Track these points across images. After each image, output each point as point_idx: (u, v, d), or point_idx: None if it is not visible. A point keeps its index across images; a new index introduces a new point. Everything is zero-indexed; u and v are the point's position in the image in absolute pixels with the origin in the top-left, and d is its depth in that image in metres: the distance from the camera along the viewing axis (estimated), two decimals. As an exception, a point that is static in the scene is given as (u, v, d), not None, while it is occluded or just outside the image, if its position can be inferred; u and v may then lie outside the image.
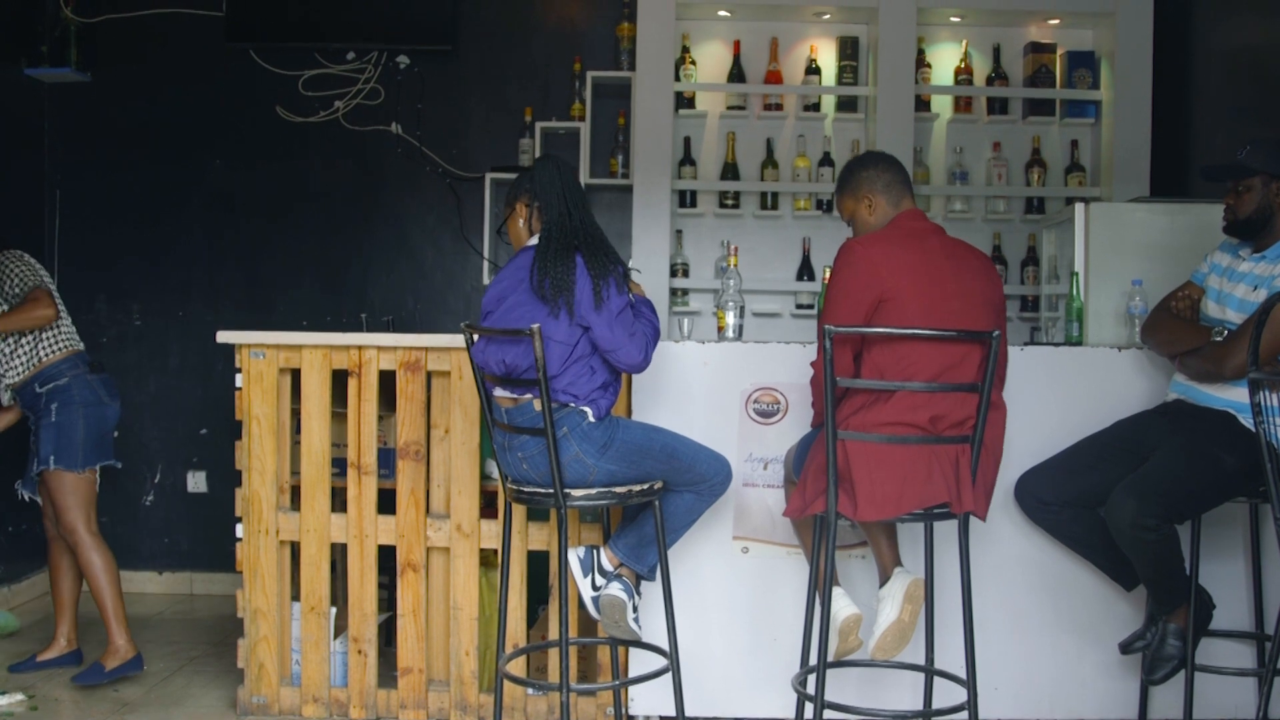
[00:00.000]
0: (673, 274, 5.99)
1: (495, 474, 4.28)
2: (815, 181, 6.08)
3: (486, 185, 6.00)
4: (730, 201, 6.16)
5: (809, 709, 3.47)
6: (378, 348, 4.20)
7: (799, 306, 6.15)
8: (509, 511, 3.73)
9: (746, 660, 4.09)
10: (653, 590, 3.77)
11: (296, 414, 4.34)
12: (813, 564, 3.53)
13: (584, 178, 5.93)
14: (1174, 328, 3.85)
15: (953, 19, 6.08)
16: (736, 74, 6.10)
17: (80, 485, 4.53)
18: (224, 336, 4.24)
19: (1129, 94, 5.81)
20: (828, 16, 6.07)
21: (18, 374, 4.54)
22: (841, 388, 3.38)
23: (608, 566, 3.64)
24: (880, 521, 3.43)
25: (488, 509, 4.26)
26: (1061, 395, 4.02)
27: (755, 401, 4.06)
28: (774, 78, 6.10)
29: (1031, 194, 6.12)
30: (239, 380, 4.23)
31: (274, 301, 6.18)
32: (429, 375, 4.21)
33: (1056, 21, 6.07)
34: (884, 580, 3.51)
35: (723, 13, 6.06)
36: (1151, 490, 3.48)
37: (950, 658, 3.71)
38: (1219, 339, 3.68)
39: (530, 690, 4.19)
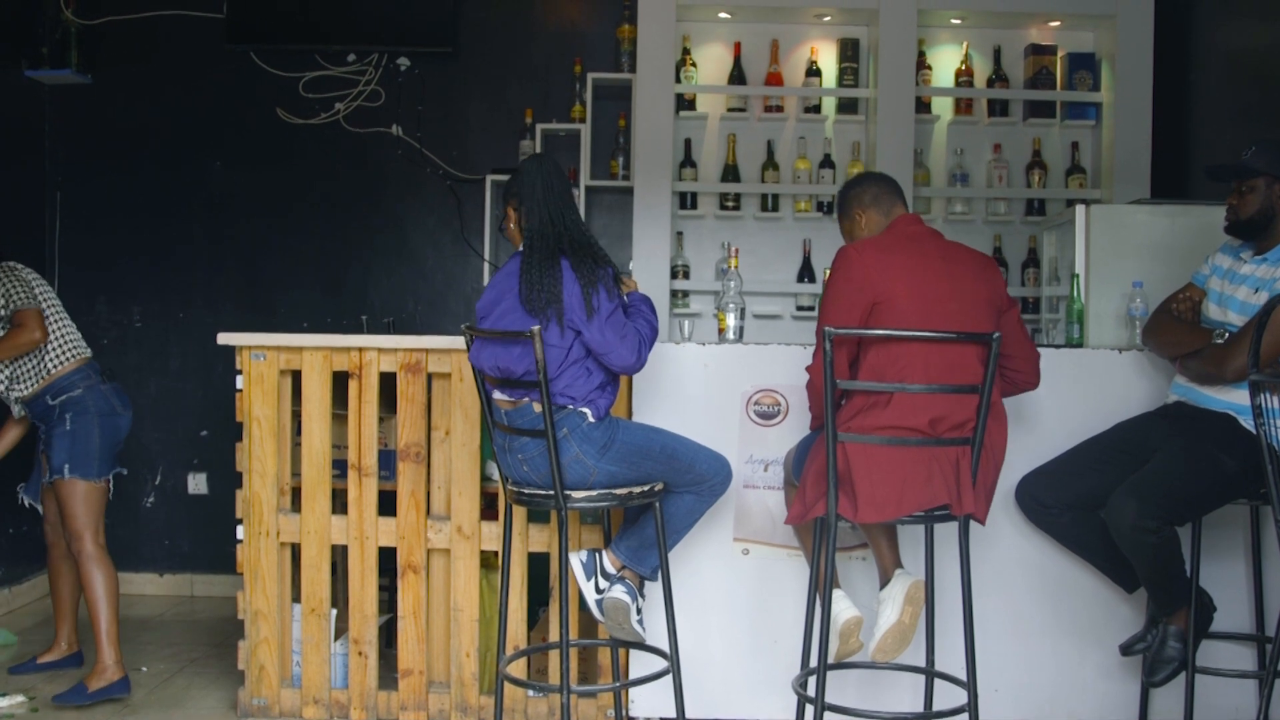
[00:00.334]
0: (673, 276, 5.99)
1: (496, 476, 4.28)
2: (816, 183, 6.08)
3: (487, 187, 6.00)
4: (731, 203, 6.17)
5: (809, 711, 3.47)
6: (378, 349, 4.20)
7: (799, 308, 6.15)
8: (509, 513, 3.73)
9: (747, 662, 4.09)
10: (653, 592, 3.77)
11: (297, 416, 4.34)
12: (813, 566, 3.53)
13: (584, 179, 5.93)
14: (1175, 330, 3.85)
15: (953, 21, 6.08)
16: (737, 76, 6.10)
17: (93, 495, 4.43)
18: (225, 338, 4.24)
19: (1129, 96, 5.81)
20: (828, 18, 6.07)
21: (27, 387, 4.46)
22: (840, 391, 3.39)
23: (610, 569, 3.64)
24: (881, 523, 3.43)
25: (488, 511, 4.26)
26: (1062, 397, 4.02)
27: (756, 403, 4.06)
28: (774, 79, 6.10)
29: (1032, 196, 6.12)
30: (240, 382, 4.23)
31: (275, 303, 6.18)
32: (429, 377, 4.21)
33: (1057, 23, 6.07)
34: (884, 582, 3.51)
35: (723, 14, 6.06)
36: (1152, 492, 3.48)
37: (951, 660, 3.71)
38: (1220, 341, 3.68)
39: (531, 692, 4.19)
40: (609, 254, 3.57)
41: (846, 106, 6.14)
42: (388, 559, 4.30)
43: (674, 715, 3.70)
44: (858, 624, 3.48)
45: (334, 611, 4.27)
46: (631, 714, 4.13)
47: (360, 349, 4.20)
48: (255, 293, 6.20)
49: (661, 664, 3.77)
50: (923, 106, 6.06)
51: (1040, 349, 4.09)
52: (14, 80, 5.97)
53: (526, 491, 3.52)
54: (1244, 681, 4.00)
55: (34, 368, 4.44)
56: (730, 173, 6.12)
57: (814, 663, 3.47)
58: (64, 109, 6.20)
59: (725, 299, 4.24)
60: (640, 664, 4.06)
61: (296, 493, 4.30)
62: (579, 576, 3.62)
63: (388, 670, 4.37)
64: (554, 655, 4.18)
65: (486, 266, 6.05)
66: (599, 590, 3.61)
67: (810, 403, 3.69)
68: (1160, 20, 5.80)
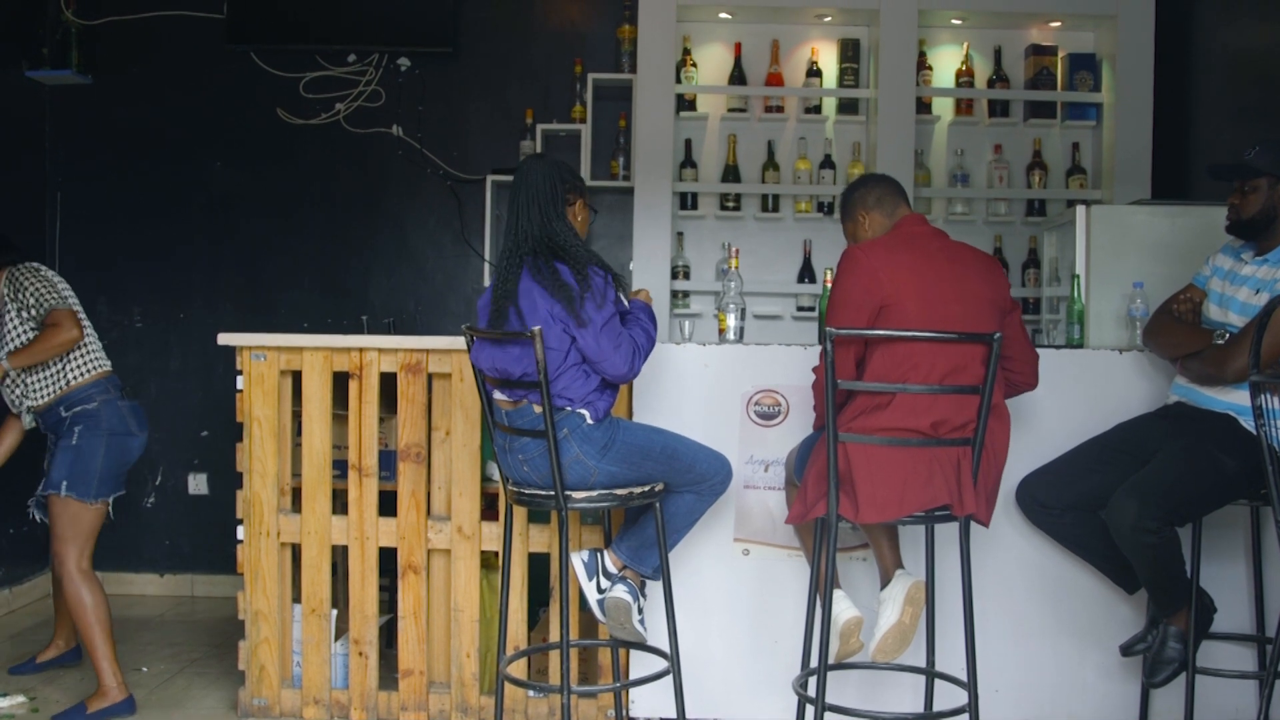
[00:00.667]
0: (674, 276, 5.99)
1: (496, 476, 4.28)
2: (816, 184, 6.08)
3: (487, 187, 6.00)
4: (731, 204, 6.17)
5: (810, 711, 3.47)
6: (379, 350, 4.20)
7: (800, 309, 6.15)
8: (510, 513, 3.73)
9: (747, 662, 4.09)
10: (654, 592, 3.77)
11: (297, 416, 4.34)
12: (814, 566, 3.53)
13: (585, 180, 5.92)
14: (1175, 330, 3.85)
15: (954, 21, 6.08)
16: (737, 76, 6.10)
17: (84, 516, 4.25)
18: (225, 338, 4.24)
19: (1130, 96, 5.81)
20: (829, 19, 6.07)
21: (42, 396, 4.30)
22: (843, 393, 3.39)
23: (612, 569, 3.64)
24: (881, 524, 3.43)
25: (488, 511, 4.26)
26: (1062, 398, 4.02)
27: (756, 404, 4.06)
28: (775, 80, 6.10)
29: (1033, 196, 6.12)
30: (240, 382, 4.23)
31: (275, 304, 6.18)
32: (430, 377, 4.21)
33: (1058, 24, 6.07)
34: (885, 582, 3.51)
35: (724, 15, 6.06)
36: (1152, 493, 3.48)
37: (951, 660, 3.71)
38: (1220, 342, 3.68)
39: (531, 692, 4.19)
40: (610, 255, 3.56)
41: (847, 107, 6.14)
42: (388, 559, 4.30)
43: (674, 715, 3.70)
44: (858, 624, 3.48)
45: (334, 612, 4.27)
46: (632, 714, 4.13)
47: (361, 349, 4.20)
48: (255, 293, 6.20)
49: (662, 664, 3.77)
50: (923, 107, 6.07)
51: (1041, 349, 4.09)
52: (14, 80, 5.97)
53: (527, 492, 3.52)
54: (1244, 682, 4.00)
55: (53, 376, 4.30)
56: (731, 173, 6.12)
57: (814, 663, 3.47)
58: (64, 109, 6.20)
59: (726, 299, 4.24)
60: (640, 664, 4.07)
61: (297, 493, 4.30)
62: (581, 576, 3.62)
63: (388, 670, 4.37)
64: (554, 655, 4.18)
65: (487, 267, 6.05)
66: (601, 590, 3.61)
67: (815, 402, 3.69)
68: (1161, 21, 5.80)
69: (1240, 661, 4.00)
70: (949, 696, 3.66)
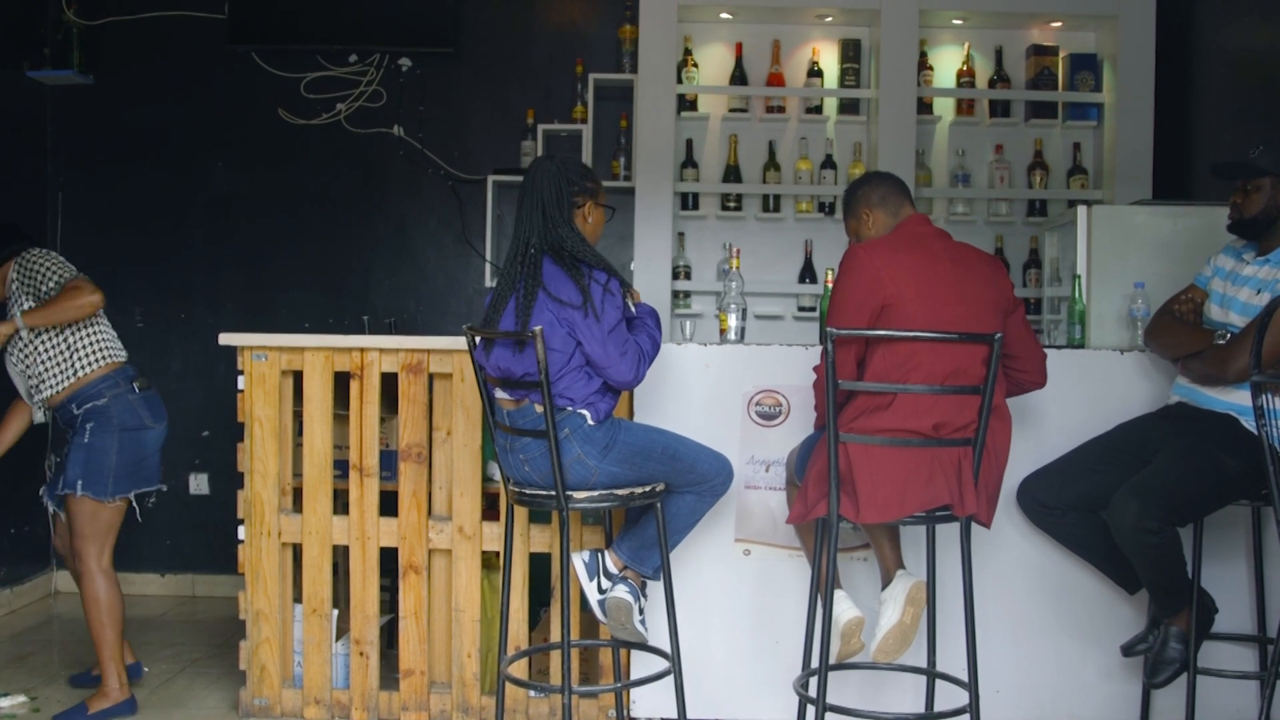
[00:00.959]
0: (675, 276, 5.99)
1: (497, 476, 4.28)
2: (817, 184, 6.08)
3: (488, 187, 6.00)
4: (732, 204, 6.17)
5: (810, 712, 3.47)
6: (380, 350, 4.20)
7: (801, 309, 6.15)
8: (511, 514, 3.73)
9: (748, 662, 4.09)
10: (654, 592, 3.77)
11: (298, 416, 4.34)
12: (815, 566, 3.53)
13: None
14: (1177, 331, 3.85)
15: (955, 21, 6.08)
16: (738, 76, 6.10)
17: (102, 515, 4.21)
18: (226, 339, 4.24)
19: (1131, 96, 5.81)
20: (830, 19, 6.07)
21: (53, 388, 4.22)
22: (844, 393, 3.39)
23: (612, 569, 3.64)
24: (882, 524, 3.43)
25: (489, 511, 4.26)
26: (1064, 398, 4.02)
27: (757, 404, 4.06)
28: (776, 80, 6.10)
29: (1034, 196, 6.12)
30: (241, 382, 4.23)
31: (276, 304, 6.18)
32: (431, 377, 4.21)
33: (1059, 24, 6.07)
34: (886, 583, 3.51)
35: (725, 15, 6.06)
36: (1153, 493, 3.48)
37: (952, 660, 3.71)
38: (1221, 342, 3.68)
39: (532, 692, 4.19)
40: (611, 256, 3.56)
41: (848, 107, 6.14)
42: (389, 559, 4.30)
43: (675, 716, 3.70)
44: (859, 624, 3.48)
45: (335, 612, 4.27)
46: (633, 714, 4.13)
47: (362, 349, 4.20)
48: (256, 293, 6.20)
49: (663, 664, 3.77)
50: (924, 107, 6.06)
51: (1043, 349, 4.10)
52: (16, 81, 5.97)
53: (528, 492, 3.52)
54: (1245, 683, 4.00)
55: (62, 366, 4.23)
56: (732, 173, 6.12)
57: (815, 663, 3.47)
58: (66, 109, 6.20)
59: (727, 299, 4.24)
60: (641, 664, 4.07)
61: (298, 493, 4.30)
62: (582, 576, 3.62)
63: (389, 671, 4.37)
64: (555, 656, 4.18)
65: (488, 267, 6.05)
66: (602, 590, 3.61)
67: (816, 402, 3.69)
68: (1162, 21, 5.80)
69: (1241, 662, 4.00)
70: (950, 697, 3.66)
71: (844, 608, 3.49)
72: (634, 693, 4.10)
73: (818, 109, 6.16)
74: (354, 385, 4.20)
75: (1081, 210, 4.52)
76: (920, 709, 3.83)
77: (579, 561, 3.63)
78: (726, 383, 4.07)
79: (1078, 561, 3.98)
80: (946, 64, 6.16)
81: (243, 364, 4.23)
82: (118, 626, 4.26)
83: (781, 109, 6.15)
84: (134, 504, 4.34)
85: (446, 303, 6.22)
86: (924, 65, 6.03)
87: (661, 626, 3.74)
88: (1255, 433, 3.40)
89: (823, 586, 3.40)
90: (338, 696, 4.24)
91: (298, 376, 4.29)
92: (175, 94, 6.20)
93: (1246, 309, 3.65)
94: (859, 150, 6.09)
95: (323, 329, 6.01)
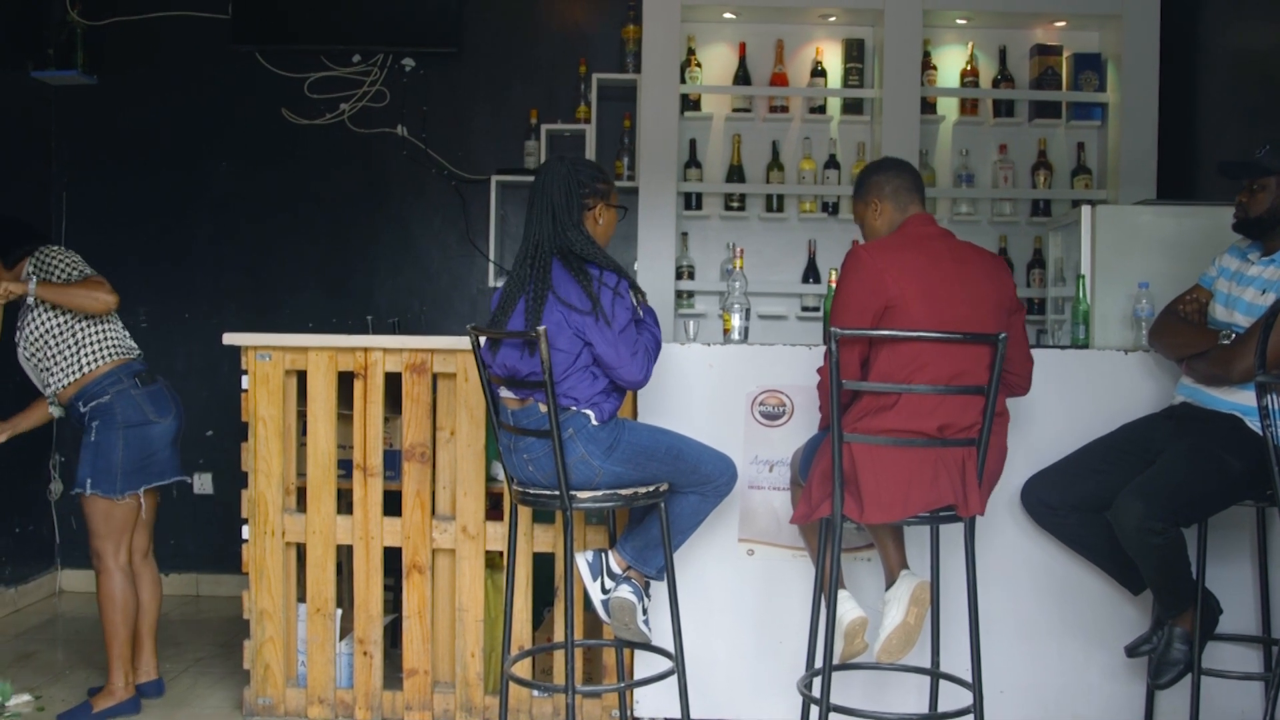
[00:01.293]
0: (678, 276, 5.98)
1: (501, 476, 4.28)
2: (821, 184, 6.07)
3: (492, 187, 6.01)
4: (736, 204, 6.16)
5: (814, 712, 3.47)
6: (383, 350, 4.20)
7: (804, 309, 6.14)
8: (515, 513, 3.72)
9: (752, 663, 4.09)
10: (658, 593, 3.77)
11: (302, 416, 4.34)
12: (818, 566, 3.53)
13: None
14: (1181, 331, 3.85)
15: (958, 21, 6.08)
16: (742, 76, 6.10)
17: (114, 512, 4.22)
18: (230, 338, 4.24)
19: (1136, 96, 5.81)
20: (833, 19, 6.06)
21: (61, 383, 4.23)
22: (848, 393, 3.39)
23: (616, 569, 3.64)
24: (887, 524, 3.43)
25: (493, 511, 4.26)
26: (1067, 398, 4.02)
27: (761, 404, 4.06)
28: (779, 80, 6.09)
29: (1038, 196, 6.11)
30: (245, 382, 4.23)
31: (280, 304, 6.19)
32: (434, 377, 4.21)
33: (1063, 24, 6.06)
34: (890, 583, 3.51)
35: (728, 15, 6.05)
36: (1158, 494, 3.48)
37: (956, 661, 3.71)
38: (1226, 342, 3.68)
39: (536, 692, 4.19)
40: (615, 255, 3.55)
41: (851, 107, 6.13)
42: (393, 559, 4.30)
43: (679, 716, 3.70)
44: (863, 625, 3.48)
45: (339, 611, 4.27)
46: (636, 714, 4.13)
47: (365, 349, 4.21)
48: (260, 293, 6.21)
49: (666, 664, 3.77)
50: (928, 107, 6.06)
51: (1046, 350, 4.11)
52: (20, 81, 5.98)
53: (532, 492, 3.52)
54: (1250, 684, 4.00)
55: (69, 360, 4.22)
56: (735, 173, 6.11)
57: (819, 663, 3.47)
58: (70, 109, 6.21)
59: (730, 299, 4.24)
60: (645, 664, 4.07)
61: (302, 493, 4.31)
62: (585, 576, 3.62)
63: (393, 670, 4.37)
64: (559, 655, 4.18)
65: (491, 267, 6.05)
66: (605, 590, 3.61)
67: (820, 403, 3.68)
68: (1166, 20, 5.79)
69: (1246, 663, 4.00)
70: (954, 697, 3.65)
71: (848, 608, 3.49)
72: (637, 693, 4.10)
73: (821, 109, 6.16)
74: (358, 385, 4.20)
75: (1086, 210, 4.51)
76: (924, 709, 3.83)
77: (582, 561, 3.63)
78: (730, 383, 4.06)
79: (1082, 562, 3.98)
80: (950, 64, 6.15)
81: (247, 364, 4.23)
82: (129, 627, 4.28)
83: (785, 109, 6.15)
84: (156, 498, 4.34)
85: (450, 303, 6.22)
86: (928, 65, 6.03)
87: (665, 626, 3.74)
88: (1260, 433, 3.40)
89: (826, 586, 3.40)
90: (341, 696, 4.25)
91: (302, 376, 4.29)
92: (179, 94, 6.21)
93: (1251, 309, 3.65)
94: (862, 150, 6.09)
95: (326, 329, 6.02)
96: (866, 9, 5.92)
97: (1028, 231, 6.15)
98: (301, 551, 4.29)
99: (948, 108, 6.16)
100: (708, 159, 6.16)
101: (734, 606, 4.09)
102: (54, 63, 6.03)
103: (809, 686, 3.56)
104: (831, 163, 6.07)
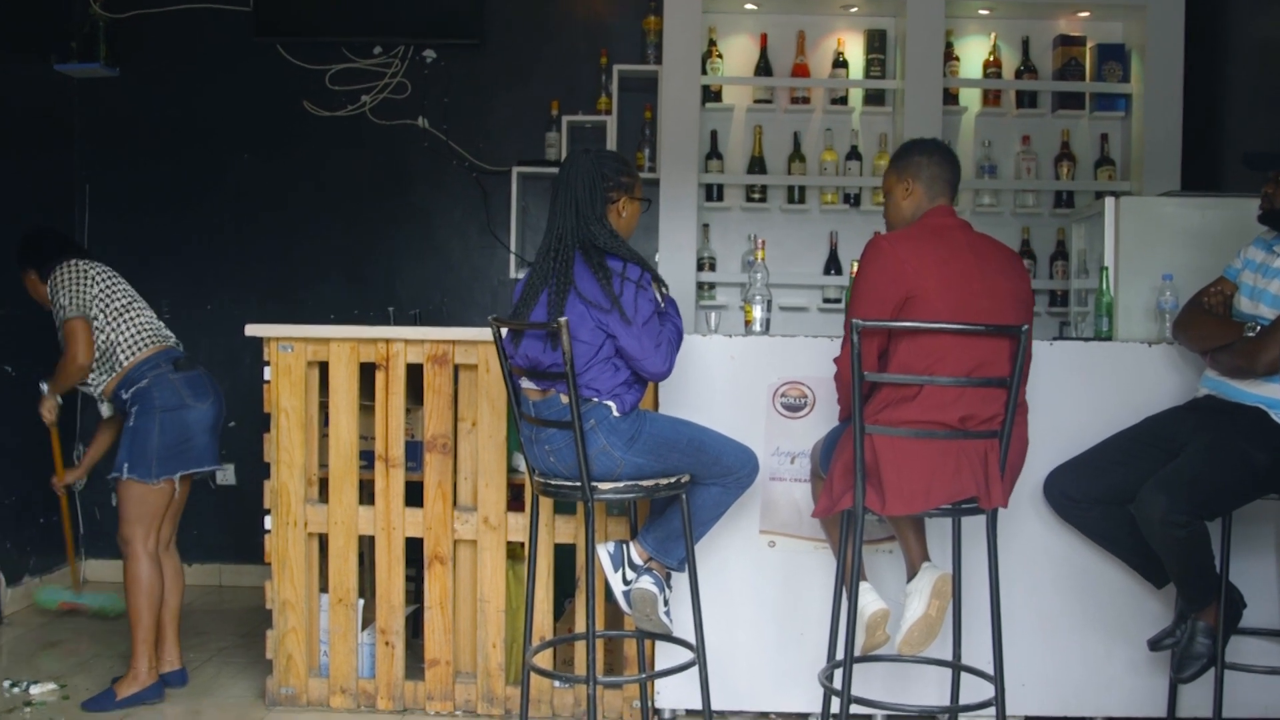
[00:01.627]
0: (699, 268, 5.98)
1: (522, 467, 4.29)
2: (842, 175, 6.06)
3: (513, 179, 6.01)
4: (757, 195, 6.15)
5: (835, 704, 3.47)
6: (405, 341, 4.21)
7: (826, 300, 6.13)
8: (536, 504, 3.73)
9: (773, 654, 4.09)
10: (679, 584, 3.77)
11: (324, 407, 4.35)
12: (840, 558, 3.53)
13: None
14: (1206, 323, 3.82)
15: (981, 11, 6.05)
16: (763, 67, 6.08)
17: (149, 497, 4.24)
18: (252, 330, 4.26)
19: (1160, 87, 5.77)
20: (855, 9, 6.04)
21: (102, 381, 4.31)
22: (868, 385, 3.38)
23: (637, 560, 3.64)
24: (908, 516, 3.42)
25: (515, 502, 4.27)
26: (1091, 391, 4.00)
27: (782, 395, 4.05)
28: (801, 71, 6.07)
29: (1061, 188, 6.08)
30: (267, 373, 4.25)
31: (301, 295, 6.21)
32: (456, 368, 4.22)
33: (1086, 14, 6.03)
34: (911, 575, 3.51)
35: (750, 6, 6.04)
36: (1181, 487, 3.46)
37: (978, 653, 3.70)
38: (1251, 334, 3.65)
39: (557, 683, 4.19)
40: (636, 247, 3.55)
41: (873, 98, 6.11)
42: (414, 550, 4.32)
43: (700, 707, 3.70)
44: (884, 617, 3.48)
45: (361, 602, 4.29)
46: (657, 705, 4.13)
47: (387, 340, 4.22)
48: (282, 285, 6.22)
49: (687, 656, 3.77)
50: (950, 98, 6.03)
51: (1069, 342, 4.10)
52: (43, 74, 6.01)
53: (553, 483, 3.52)
54: (1274, 678, 3.97)
55: (106, 360, 4.29)
56: (756, 165, 6.10)
57: (840, 655, 3.47)
58: (92, 102, 6.24)
59: (752, 291, 4.23)
60: (666, 656, 4.06)
61: (324, 483, 4.32)
62: (606, 568, 3.62)
63: (414, 660, 4.38)
64: (580, 646, 4.19)
65: (513, 258, 6.05)
66: (626, 581, 3.61)
67: (839, 395, 3.67)
68: (1191, 10, 5.75)
69: (1269, 657, 3.98)
70: (975, 690, 3.65)
71: (869, 600, 3.49)
72: (658, 684, 4.11)
73: (843, 100, 6.13)
74: (379, 376, 4.21)
75: (1109, 202, 4.49)
76: (945, 702, 3.82)
77: (604, 553, 3.63)
78: (751, 374, 4.06)
79: (1104, 555, 3.97)
80: (973, 54, 6.13)
81: (269, 355, 4.25)
82: (154, 612, 4.29)
83: (806, 100, 6.13)
84: (174, 485, 4.32)
85: (471, 294, 6.23)
86: (950, 56, 6.00)
87: (686, 618, 3.74)
88: (1285, 426, 3.38)
89: (848, 578, 3.39)
90: (363, 686, 4.26)
91: (323, 367, 4.30)
92: (200, 86, 6.23)
93: (1277, 301, 3.62)
94: (884, 141, 6.07)
95: (348, 320, 6.03)
96: (888, -1, 5.91)
97: (1050, 223, 6.12)
98: (324, 542, 4.31)
99: (970, 99, 6.14)
100: (729, 150, 6.15)
101: (755, 598, 4.09)
102: (77, 56, 6.06)
103: (830, 678, 3.56)
104: (853, 154, 6.06)
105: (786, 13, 6.09)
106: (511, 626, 4.27)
